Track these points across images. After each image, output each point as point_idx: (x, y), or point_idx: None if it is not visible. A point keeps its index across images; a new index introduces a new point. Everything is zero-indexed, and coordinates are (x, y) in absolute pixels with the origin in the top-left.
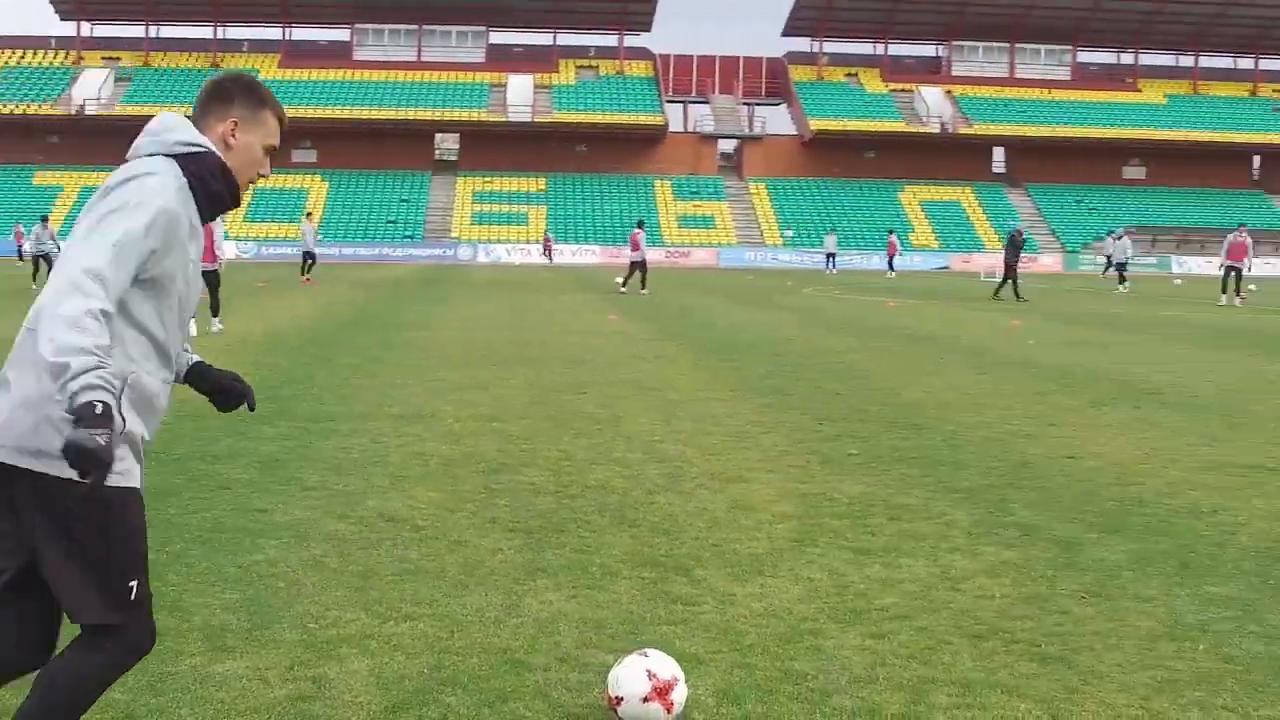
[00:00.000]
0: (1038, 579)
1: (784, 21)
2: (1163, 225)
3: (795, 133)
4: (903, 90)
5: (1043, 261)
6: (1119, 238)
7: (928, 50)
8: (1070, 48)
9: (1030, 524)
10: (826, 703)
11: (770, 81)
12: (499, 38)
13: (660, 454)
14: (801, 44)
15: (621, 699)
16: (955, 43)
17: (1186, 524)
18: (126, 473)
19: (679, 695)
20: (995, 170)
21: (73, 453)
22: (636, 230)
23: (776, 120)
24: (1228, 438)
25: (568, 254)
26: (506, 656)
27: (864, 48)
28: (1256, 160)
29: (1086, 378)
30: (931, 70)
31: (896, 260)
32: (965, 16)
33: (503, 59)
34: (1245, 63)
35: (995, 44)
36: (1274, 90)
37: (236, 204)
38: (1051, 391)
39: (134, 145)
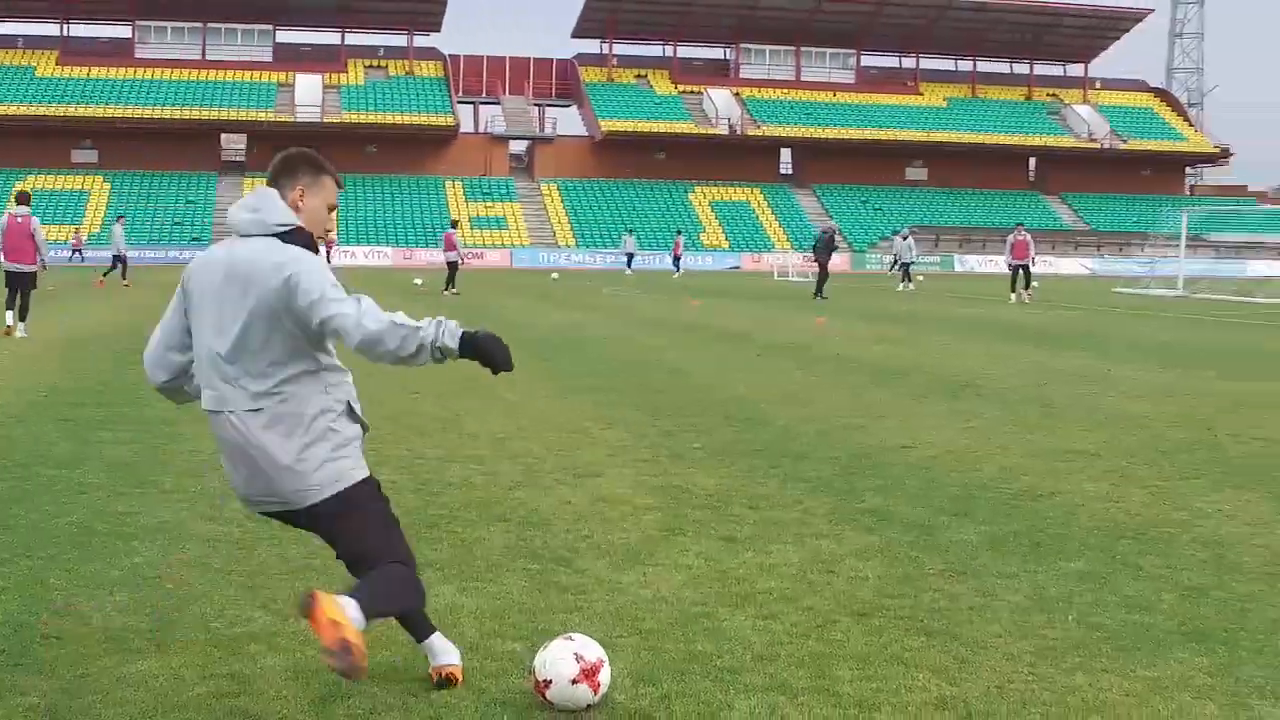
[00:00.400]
0: (904, 560)
1: (574, 23)
2: (945, 225)
3: (586, 134)
4: (692, 92)
5: (832, 261)
6: (905, 237)
7: (716, 53)
8: (854, 51)
9: (883, 510)
10: (737, 680)
11: (561, 83)
12: (286, 36)
13: (510, 451)
14: (591, 45)
15: (550, 681)
16: (743, 45)
17: (1029, 506)
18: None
19: (605, 676)
20: (783, 171)
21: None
22: (450, 230)
23: (568, 121)
24: (1045, 426)
25: (359, 256)
26: (412, 647)
27: (653, 49)
28: (1032, 162)
29: (900, 372)
30: (720, 72)
31: (681, 260)
32: (753, 20)
33: (290, 58)
34: (1021, 67)
35: (782, 47)
36: (1048, 94)
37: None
38: (869, 385)
39: (237, 221)
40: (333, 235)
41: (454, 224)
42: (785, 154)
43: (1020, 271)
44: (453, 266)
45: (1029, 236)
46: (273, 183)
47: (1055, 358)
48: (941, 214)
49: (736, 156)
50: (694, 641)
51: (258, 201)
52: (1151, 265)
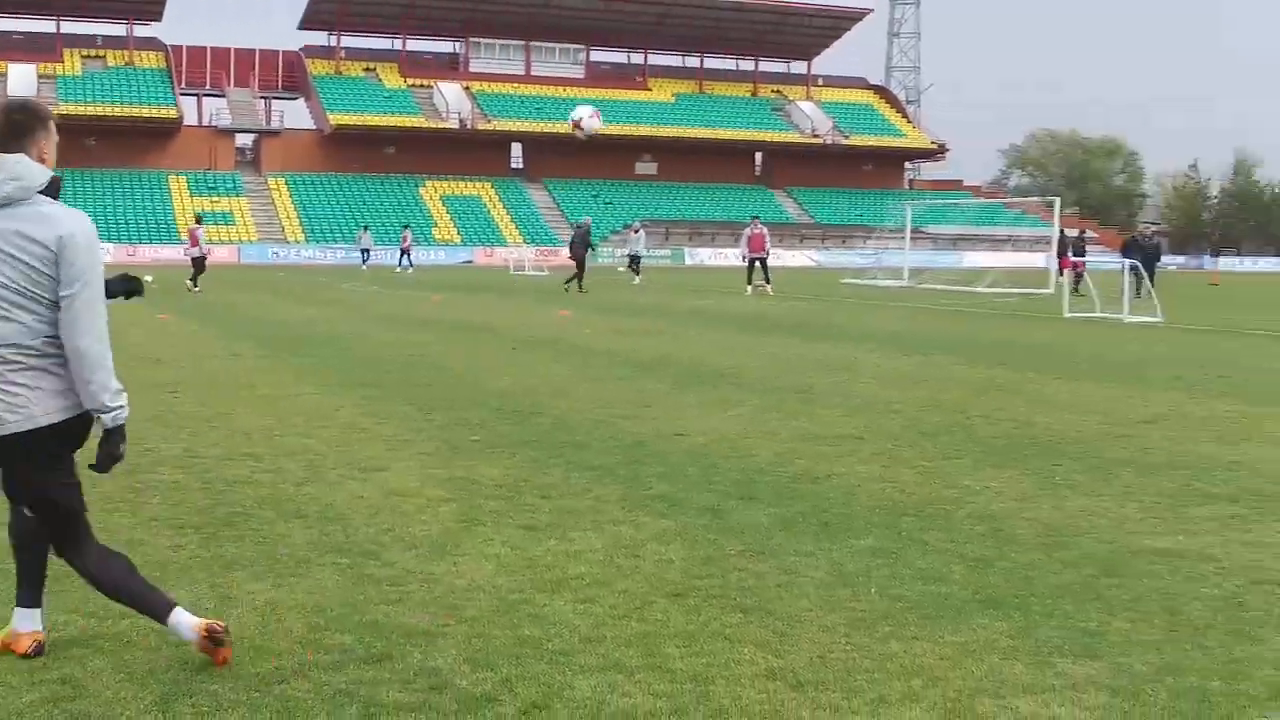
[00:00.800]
0: (703, 543)
1: (300, 15)
2: (675, 219)
3: (315, 127)
4: (422, 86)
5: (564, 255)
6: (636, 231)
7: (446, 46)
8: (584, 47)
9: (672, 495)
10: (571, 661)
11: (287, 75)
12: None
13: (287, 448)
14: (319, 38)
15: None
16: (473, 39)
17: (810, 488)
18: None
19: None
20: (514, 166)
21: None
22: (195, 226)
23: (295, 114)
24: (807, 412)
25: None
26: (247, 644)
27: (382, 42)
28: (759, 157)
29: (657, 363)
30: (450, 66)
31: (410, 255)
32: (483, 14)
33: (2, 48)
34: (747, 64)
35: (512, 41)
36: (773, 91)
37: None
38: (632, 377)
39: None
40: None
41: (199, 219)
42: (516, 148)
43: (757, 264)
44: (198, 263)
45: (765, 230)
46: (11, 146)
47: (803, 347)
48: (671, 208)
49: (467, 151)
50: (520, 627)
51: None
52: (878, 257)
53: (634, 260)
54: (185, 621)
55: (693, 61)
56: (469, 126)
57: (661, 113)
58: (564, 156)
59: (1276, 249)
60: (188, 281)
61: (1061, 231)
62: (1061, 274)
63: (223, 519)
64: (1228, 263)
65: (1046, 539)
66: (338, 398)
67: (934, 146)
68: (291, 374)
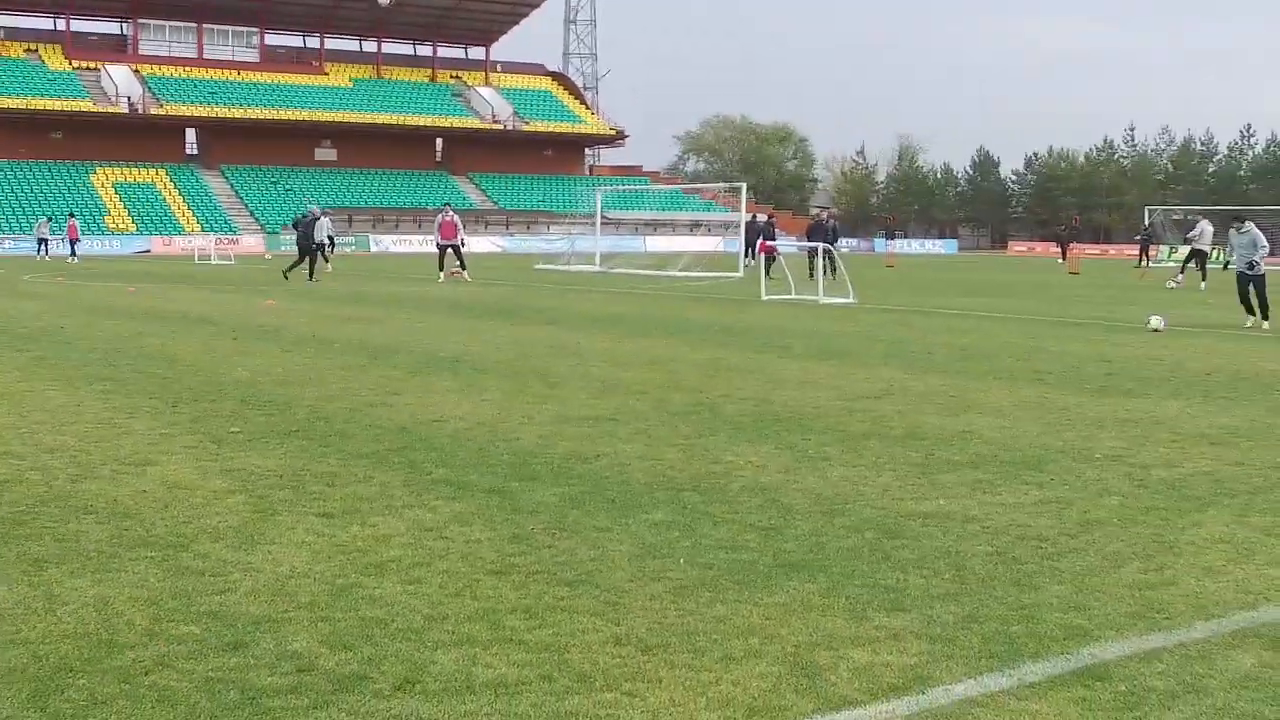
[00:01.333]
0: (504, 522)
1: None
2: (358, 206)
3: None
4: (88, 68)
5: (245, 243)
6: (317, 217)
7: (113, 28)
8: (258, 30)
9: (454, 479)
10: (425, 638)
11: None
12: None
13: (45, 445)
14: None
15: None
16: (141, 20)
17: (584, 468)
18: None
19: None
20: (189, 152)
21: None
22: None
23: None
24: (555, 396)
25: None
26: (93, 640)
27: (43, 23)
28: (440, 143)
29: (388, 350)
30: (118, 48)
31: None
32: None
33: None
34: (425, 50)
35: (183, 23)
36: (452, 76)
37: None
38: (368, 364)
39: None
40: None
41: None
42: (190, 134)
43: (449, 251)
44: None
45: (457, 217)
46: None
47: (522, 331)
48: (353, 194)
49: (140, 136)
50: (360, 609)
51: None
52: (570, 242)
53: (320, 247)
54: None
55: (370, 46)
56: (140, 111)
57: (339, 98)
58: (241, 142)
59: (940, 231)
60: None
61: (753, 216)
62: (751, 258)
63: (11, 518)
64: (897, 245)
65: (823, 507)
66: (77, 392)
67: (613, 132)
68: (17, 368)
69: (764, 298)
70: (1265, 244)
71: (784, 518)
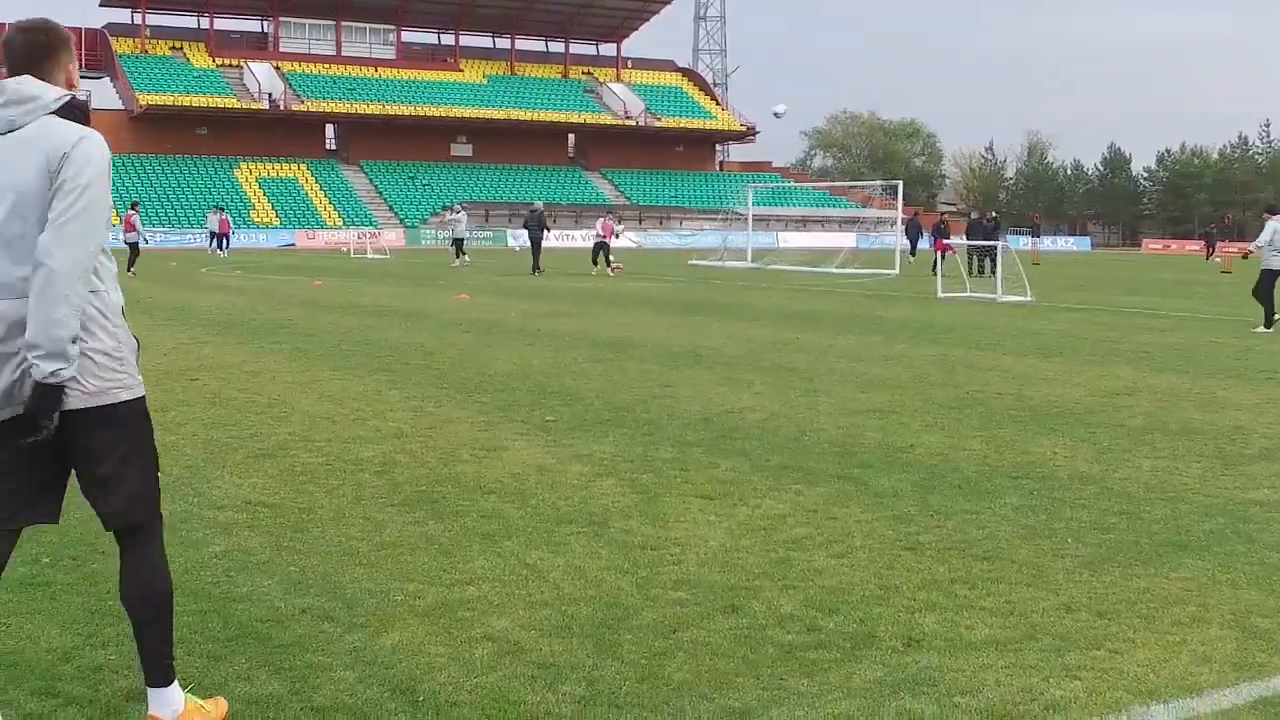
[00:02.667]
0: (875, 505)
1: None
2: (494, 200)
3: (123, 107)
4: (231, 65)
5: (387, 237)
6: (457, 213)
7: (254, 25)
8: (394, 27)
9: (795, 465)
10: (895, 602)
11: (90, 54)
12: None
13: (383, 430)
14: (122, 15)
15: None
16: (282, 19)
17: (907, 457)
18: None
19: None
20: (329, 147)
21: None
22: (131, 212)
23: (102, 94)
24: (820, 389)
25: None
26: (606, 602)
27: (187, 20)
28: (572, 138)
29: (622, 344)
30: (259, 45)
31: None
32: None
33: None
34: (556, 46)
35: (321, 21)
36: (583, 72)
37: None
38: (615, 358)
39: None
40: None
41: (134, 205)
42: (330, 130)
43: (602, 249)
44: (134, 248)
45: (612, 221)
46: (35, 70)
47: (732, 327)
48: (489, 189)
49: (281, 132)
50: (814, 579)
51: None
52: (725, 238)
53: (457, 243)
54: None
55: (503, 43)
56: (282, 107)
57: (474, 94)
58: (379, 138)
59: (1070, 228)
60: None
61: (914, 214)
62: (912, 255)
63: (422, 495)
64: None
65: (1159, 494)
66: (364, 381)
67: (743, 129)
68: (288, 360)
69: (939, 295)
70: None
71: (1130, 504)
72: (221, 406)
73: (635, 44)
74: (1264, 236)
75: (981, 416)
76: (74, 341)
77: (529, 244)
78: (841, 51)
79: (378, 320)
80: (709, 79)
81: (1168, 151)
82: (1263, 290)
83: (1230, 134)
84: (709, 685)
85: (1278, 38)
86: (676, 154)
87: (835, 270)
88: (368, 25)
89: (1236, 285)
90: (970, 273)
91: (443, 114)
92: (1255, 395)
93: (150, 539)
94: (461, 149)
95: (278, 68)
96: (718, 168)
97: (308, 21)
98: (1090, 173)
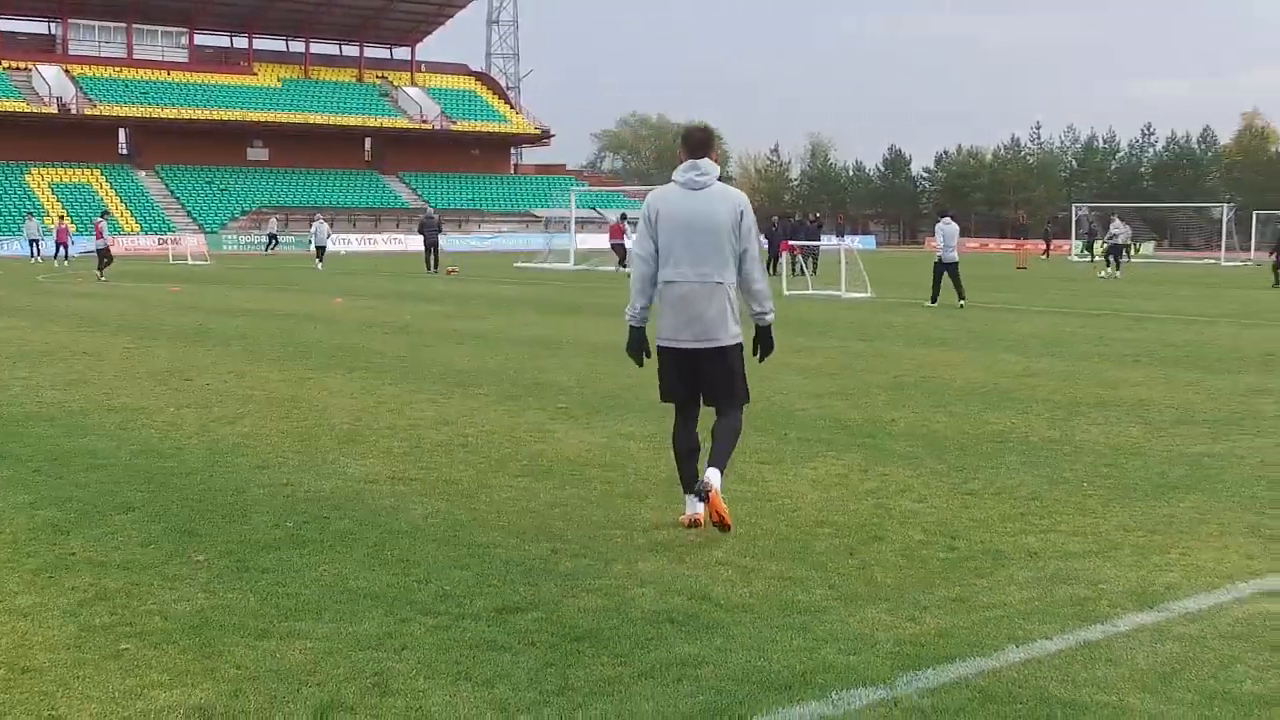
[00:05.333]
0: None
1: None
2: (293, 205)
3: None
4: (18, 68)
5: (187, 242)
6: (318, 220)
7: (40, 28)
8: (186, 30)
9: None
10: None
11: None
12: None
13: (507, 432)
14: None
15: None
16: (71, 20)
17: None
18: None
19: None
20: (121, 152)
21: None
22: (99, 219)
23: None
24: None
25: None
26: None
27: None
28: (368, 142)
29: (610, 347)
30: (46, 48)
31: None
32: None
33: None
34: (351, 50)
35: (111, 23)
36: (378, 76)
37: None
38: (601, 362)
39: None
40: None
41: (104, 213)
42: (123, 134)
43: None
44: (103, 254)
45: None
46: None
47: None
48: (287, 194)
49: (73, 136)
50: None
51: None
52: (549, 240)
53: (320, 250)
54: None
55: (296, 46)
56: (73, 111)
57: (269, 98)
58: (173, 142)
59: (853, 227)
60: (95, 271)
61: (776, 218)
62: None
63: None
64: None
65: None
66: (379, 384)
67: (538, 131)
68: (282, 367)
69: (786, 293)
70: None
71: (1106, 458)
72: (278, 405)
73: (429, 48)
74: None
75: (926, 396)
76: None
77: (424, 247)
78: (631, 54)
79: (295, 325)
80: (503, 83)
81: (945, 152)
82: None
83: (1004, 135)
84: (915, 585)
85: (1044, 45)
86: (473, 157)
87: None
88: (159, 28)
89: (1034, 279)
90: (794, 272)
91: (238, 118)
92: (1137, 374)
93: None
94: (258, 153)
95: (67, 70)
96: (513, 170)
97: (97, 24)
98: (872, 173)
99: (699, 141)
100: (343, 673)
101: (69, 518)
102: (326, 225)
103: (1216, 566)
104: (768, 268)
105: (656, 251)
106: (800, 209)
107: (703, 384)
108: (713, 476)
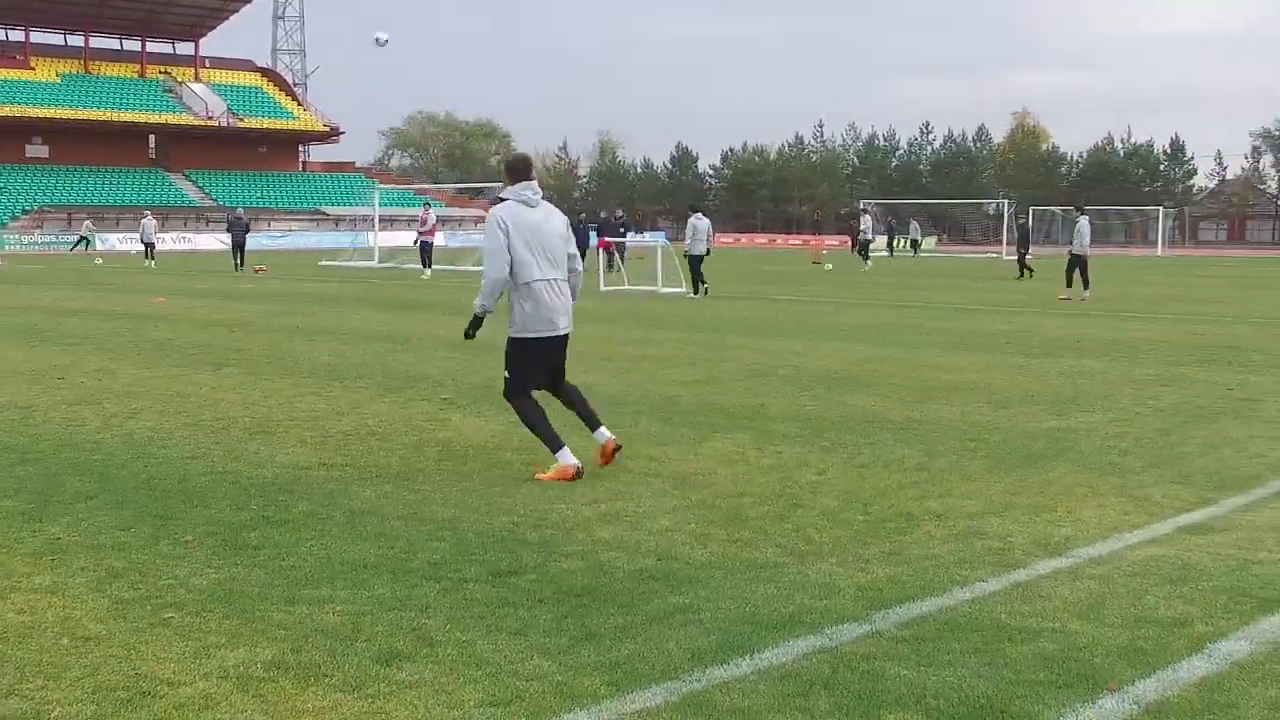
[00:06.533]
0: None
1: None
2: (76, 205)
3: None
4: None
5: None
6: (146, 217)
7: None
8: None
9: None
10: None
11: None
12: None
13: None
14: None
15: None
16: None
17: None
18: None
19: None
20: None
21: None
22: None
23: None
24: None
25: None
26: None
27: None
28: (153, 139)
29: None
30: None
31: None
32: None
33: None
34: (133, 44)
35: None
36: (161, 72)
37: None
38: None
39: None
40: None
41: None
42: None
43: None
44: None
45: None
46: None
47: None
48: (70, 192)
49: None
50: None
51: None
52: (354, 240)
53: (149, 246)
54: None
55: (76, 40)
56: None
57: (48, 93)
58: None
59: (639, 224)
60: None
61: (600, 214)
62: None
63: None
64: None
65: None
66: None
67: (327, 129)
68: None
69: (602, 289)
70: None
71: (970, 433)
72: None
73: (213, 43)
74: None
75: (785, 383)
76: None
77: (231, 245)
78: (418, 51)
79: (135, 324)
80: (289, 79)
81: (731, 150)
82: None
83: (788, 133)
84: (849, 543)
85: (821, 40)
86: (260, 155)
87: (475, 269)
88: None
89: (835, 275)
90: (611, 269)
91: (16, 114)
92: (967, 360)
93: None
94: (37, 150)
95: None
96: (302, 168)
97: None
98: (660, 170)
99: (528, 165)
100: (384, 629)
101: (32, 508)
102: (155, 221)
103: (1100, 521)
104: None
105: (511, 259)
106: (607, 207)
107: (554, 365)
108: (606, 430)
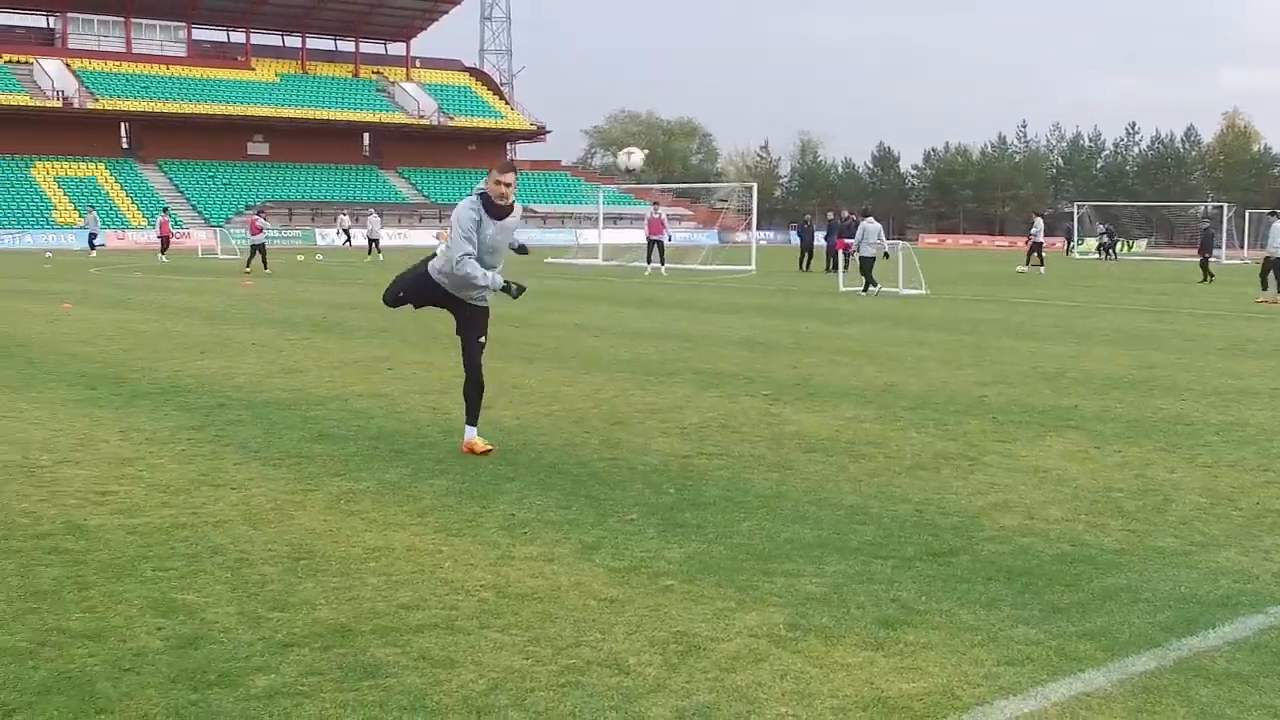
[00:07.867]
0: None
1: None
2: (296, 200)
3: None
4: (20, 62)
5: (197, 237)
6: (368, 213)
7: (39, 21)
8: (184, 24)
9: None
10: None
11: None
12: None
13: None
14: None
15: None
16: (70, 15)
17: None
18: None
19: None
20: (123, 145)
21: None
22: (163, 215)
23: None
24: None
25: None
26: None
27: None
28: (366, 137)
29: (781, 348)
30: (46, 42)
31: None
32: None
33: None
34: (347, 45)
35: (110, 17)
36: (373, 72)
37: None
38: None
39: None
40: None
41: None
42: (124, 128)
43: (656, 246)
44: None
45: (663, 215)
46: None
47: (755, 320)
48: (288, 188)
49: (76, 130)
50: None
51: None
52: (576, 236)
53: (374, 243)
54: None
55: (293, 41)
56: (75, 105)
57: (267, 93)
58: (175, 136)
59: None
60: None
61: (834, 214)
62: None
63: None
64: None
65: None
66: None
67: (534, 128)
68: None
69: (841, 290)
70: None
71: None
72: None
73: (423, 44)
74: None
75: (1079, 385)
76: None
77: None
78: (620, 52)
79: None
80: (496, 79)
81: (933, 150)
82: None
83: (990, 134)
84: (1239, 534)
85: (1010, 44)
86: (469, 153)
87: (700, 267)
88: (157, 22)
89: (1064, 280)
90: (827, 269)
91: (239, 112)
92: (1247, 366)
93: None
94: (258, 148)
95: (68, 65)
96: None
97: (96, 17)
98: (861, 170)
99: (509, 164)
100: (867, 599)
101: (466, 486)
102: (378, 218)
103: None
104: (826, 266)
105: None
106: (834, 208)
107: (438, 305)
108: (474, 431)
